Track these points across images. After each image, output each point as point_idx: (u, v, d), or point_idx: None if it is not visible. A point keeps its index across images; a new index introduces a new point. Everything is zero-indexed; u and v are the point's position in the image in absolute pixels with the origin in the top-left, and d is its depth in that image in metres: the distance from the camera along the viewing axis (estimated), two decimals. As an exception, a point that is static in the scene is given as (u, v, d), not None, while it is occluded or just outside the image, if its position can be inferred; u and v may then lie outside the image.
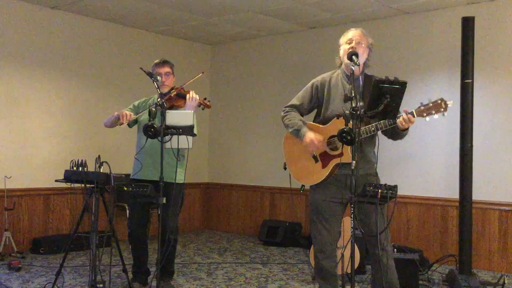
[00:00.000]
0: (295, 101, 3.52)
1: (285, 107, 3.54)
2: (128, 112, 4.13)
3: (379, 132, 3.27)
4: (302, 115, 3.51)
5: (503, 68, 5.40)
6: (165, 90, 4.23)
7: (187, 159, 4.14)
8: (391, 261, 3.35)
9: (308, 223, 6.59)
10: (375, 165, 3.41)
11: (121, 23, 6.70)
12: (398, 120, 3.10)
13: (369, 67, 3.46)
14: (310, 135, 3.30)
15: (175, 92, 4.14)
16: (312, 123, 3.44)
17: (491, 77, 5.45)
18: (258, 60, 7.37)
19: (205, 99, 4.15)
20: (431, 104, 3.09)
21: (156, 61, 4.35)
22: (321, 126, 3.38)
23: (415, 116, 3.10)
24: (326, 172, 3.31)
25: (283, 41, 7.09)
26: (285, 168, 3.56)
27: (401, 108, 3.08)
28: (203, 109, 4.18)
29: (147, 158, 4.19)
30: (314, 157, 3.37)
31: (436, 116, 3.09)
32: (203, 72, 4.33)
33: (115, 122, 4.24)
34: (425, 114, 3.09)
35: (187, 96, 4.08)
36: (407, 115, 3.08)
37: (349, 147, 3.12)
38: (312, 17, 6.27)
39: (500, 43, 5.41)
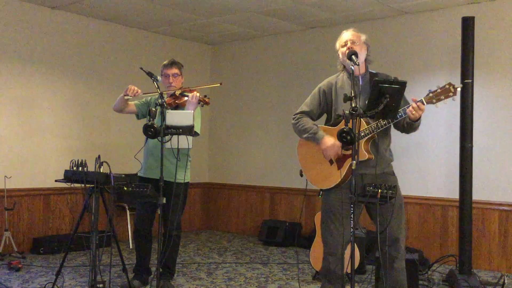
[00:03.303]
0: (304, 107, 3.50)
1: (295, 114, 3.52)
2: (136, 88, 4.10)
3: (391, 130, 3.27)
4: (312, 120, 3.50)
5: (503, 68, 5.40)
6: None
7: (187, 159, 4.17)
8: (402, 262, 3.33)
9: (307, 223, 6.59)
10: (392, 163, 3.40)
11: (121, 23, 6.70)
12: (408, 110, 3.09)
13: (372, 62, 3.46)
14: (330, 140, 3.27)
15: (180, 91, 4.18)
16: (324, 126, 3.44)
17: (491, 77, 5.45)
18: (258, 60, 7.37)
19: (205, 96, 4.17)
20: (439, 90, 3.08)
21: (164, 62, 4.38)
22: (332, 128, 3.36)
23: (425, 103, 3.09)
24: (342, 172, 3.26)
25: (283, 41, 7.09)
26: (301, 175, 3.53)
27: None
28: (202, 106, 4.20)
29: (151, 157, 4.24)
30: (329, 159, 3.35)
31: (446, 101, 3.08)
32: (221, 83, 4.39)
33: (122, 101, 4.23)
34: (434, 100, 3.08)
35: (189, 94, 4.11)
36: (416, 103, 3.08)
37: (362, 144, 3.12)
38: (312, 17, 6.27)
39: (500, 43, 5.40)
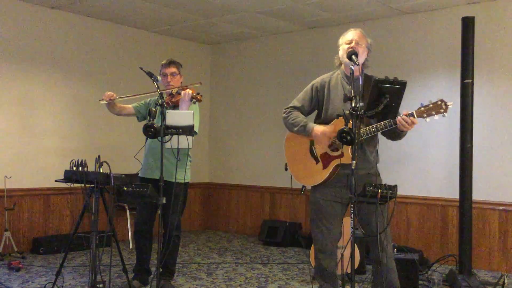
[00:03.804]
0: (295, 103, 3.52)
1: (286, 108, 3.54)
2: (110, 93, 4.26)
3: (379, 133, 3.28)
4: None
5: (503, 68, 5.40)
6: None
7: (187, 158, 4.17)
8: (391, 261, 3.34)
9: (308, 223, 6.59)
10: (376, 165, 3.42)
11: (121, 23, 6.69)
12: (398, 120, 3.10)
13: (368, 67, 3.47)
14: (319, 128, 3.33)
15: (176, 90, 4.20)
16: (314, 124, 3.45)
17: (491, 77, 5.45)
18: (258, 60, 7.37)
19: (197, 93, 4.18)
20: (431, 105, 3.09)
21: (163, 61, 4.39)
22: (324, 125, 3.38)
23: (416, 117, 3.10)
24: (326, 173, 3.31)
25: (283, 41, 7.09)
26: (286, 169, 3.56)
27: (401, 108, 3.08)
28: (194, 102, 4.20)
29: (151, 157, 4.24)
30: (315, 158, 3.38)
31: (436, 117, 3.10)
32: (200, 83, 4.41)
33: (107, 106, 4.35)
34: (425, 115, 3.10)
35: (182, 92, 4.13)
36: (408, 117, 3.09)
37: (349, 147, 3.12)
38: (312, 17, 6.27)
39: (500, 43, 5.40)
